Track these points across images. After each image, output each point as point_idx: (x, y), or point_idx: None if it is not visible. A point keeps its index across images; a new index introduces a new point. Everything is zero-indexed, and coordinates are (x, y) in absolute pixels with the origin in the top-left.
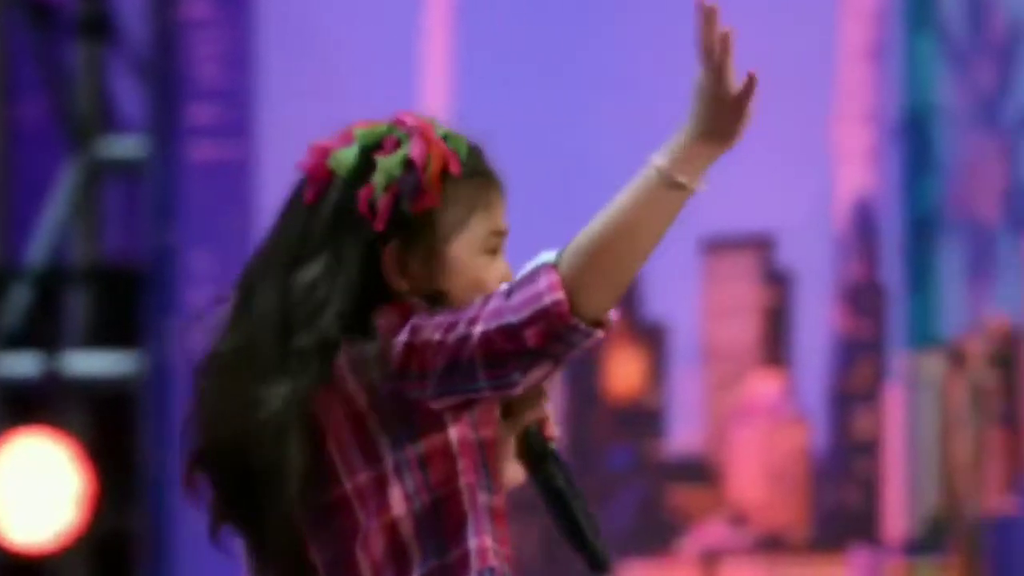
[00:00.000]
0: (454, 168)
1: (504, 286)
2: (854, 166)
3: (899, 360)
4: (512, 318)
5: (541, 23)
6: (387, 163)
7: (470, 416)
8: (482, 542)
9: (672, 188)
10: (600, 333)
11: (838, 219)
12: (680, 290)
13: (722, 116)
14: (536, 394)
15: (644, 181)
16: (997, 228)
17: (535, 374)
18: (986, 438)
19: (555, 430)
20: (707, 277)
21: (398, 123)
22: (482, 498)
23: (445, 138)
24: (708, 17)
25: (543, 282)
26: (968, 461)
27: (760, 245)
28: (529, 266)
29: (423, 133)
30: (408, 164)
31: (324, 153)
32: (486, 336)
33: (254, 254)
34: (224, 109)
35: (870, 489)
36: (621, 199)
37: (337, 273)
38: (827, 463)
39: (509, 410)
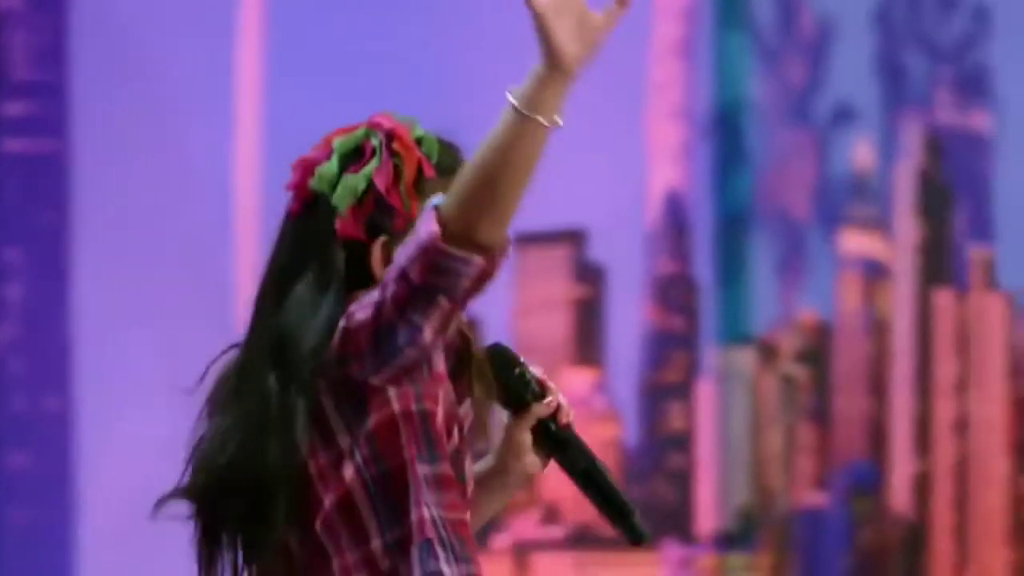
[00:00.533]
0: (428, 172)
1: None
2: (665, 162)
3: (710, 355)
4: (402, 263)
5: (351, 23)
6: (352, 181)
7: (413, 388)
8: (420, 513)
9: (525, 121)
10: (478, 259)
11: (649, 214)
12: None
13: (541, 45)
14: (542, 387)
15: (503, 116)
16: (808, 223)
17: (433, 315)
18: (796, 433)
19: (569, 416)
20: (518, 272)
21: (374, 126)
22: (422, 469)
23: (419, 141)
24: None
25: (423, 225)
26: (778, 455)
27: (571, 240)
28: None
29: (399, 139)
30: (371, 183)
31: (307, 169)
32: (393, 295)
33: (262, 274)
34: (37, 104)
35: (682, 484)
36: (488, 137)
37: (328, 284)
38: (639, 458)
39: (518, 407)
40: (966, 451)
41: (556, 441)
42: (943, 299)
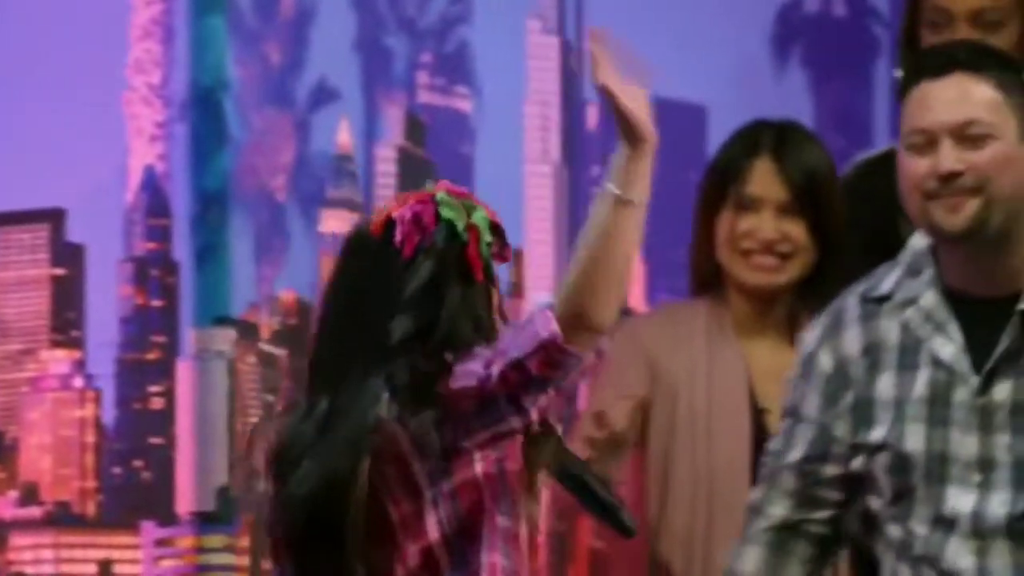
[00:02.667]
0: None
1: (506, 331)
2: (144, 142)
3: (189, 334)
4: (517, 354)
5: None
6: (482, 222)
7: (496, 451)
8: (492, 558)
9: (628, 206)
10: (589, 356)
11: (129, 195)
12: None
13: (622, 127)
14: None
15: (603, 207)
16: (288, 203)
17: (541, 400)
18: (276, 411)
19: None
20: None
21: (462, 194)
22: (501, 521)
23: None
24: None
25: (539, 320)
26: None
27: (49, 220)
28: (530, 313)
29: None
30: (494, 226)
31: (425, 214)
32: (502, 374)
33: (328, 318)
34: None
35: (161, 463)
36: (590, 228)
37: (442, 320)
38: (118, 438)
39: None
40: None
41: (572, 472)
42: None
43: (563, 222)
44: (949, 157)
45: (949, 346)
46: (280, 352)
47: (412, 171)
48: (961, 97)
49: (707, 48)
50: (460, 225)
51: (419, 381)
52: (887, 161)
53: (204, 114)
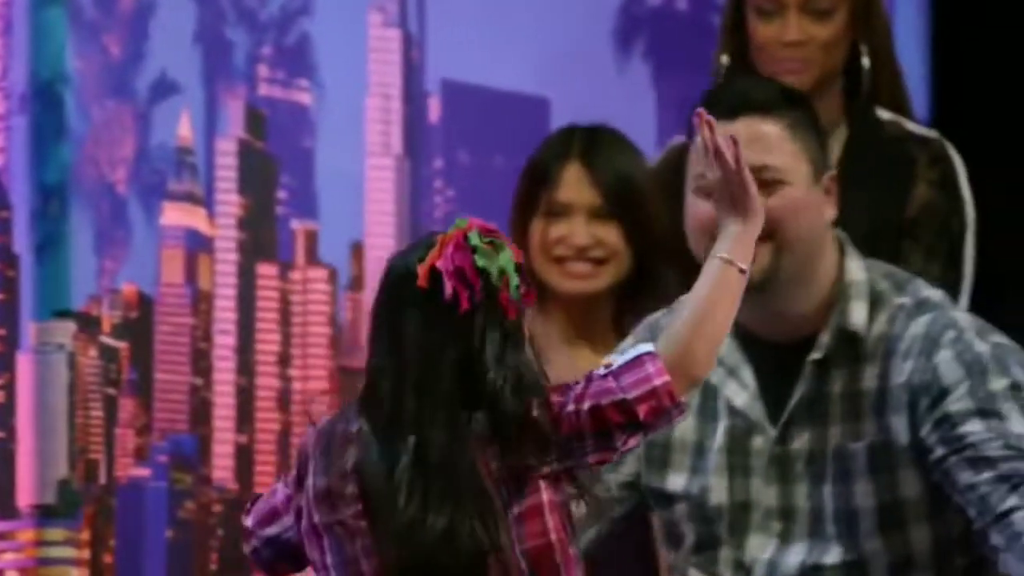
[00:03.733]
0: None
1: (603, 369)
2: None
3: (29, 328)
4: (624, 395)
5: None
6: (509, 265)
7: (564, 483)
8: None
9: (741, 274)
10: (686, 407)
11: None
12: None
13: (741, 201)
14: None
15: (716, 273)
16: (129, 197)
17: (631, 443)
18: (117, 406)
19: None
20: None
21: (490, 232)
22: (573, 551)
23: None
24: (709, 125)
25: (651, 367)
26: (99, 429)
27: None
28: (629, 353)
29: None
30: (519, 267)
31: (466, 265)
32: (598, 410)
33: (388, 377)
34: None
35: (2, 456)
36: (701, 291)
37: (502, 370)
38: None
39: None
40: (288, 424)
41: None
42: (266, 272)
43: (404, 215)
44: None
45: (743, 394)
46: (121, 345)
47: (253, 164)
48: (751, 141)
49: (549, 41)
50: (494, 274)
51: (513, 421)
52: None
53: (44, 107)
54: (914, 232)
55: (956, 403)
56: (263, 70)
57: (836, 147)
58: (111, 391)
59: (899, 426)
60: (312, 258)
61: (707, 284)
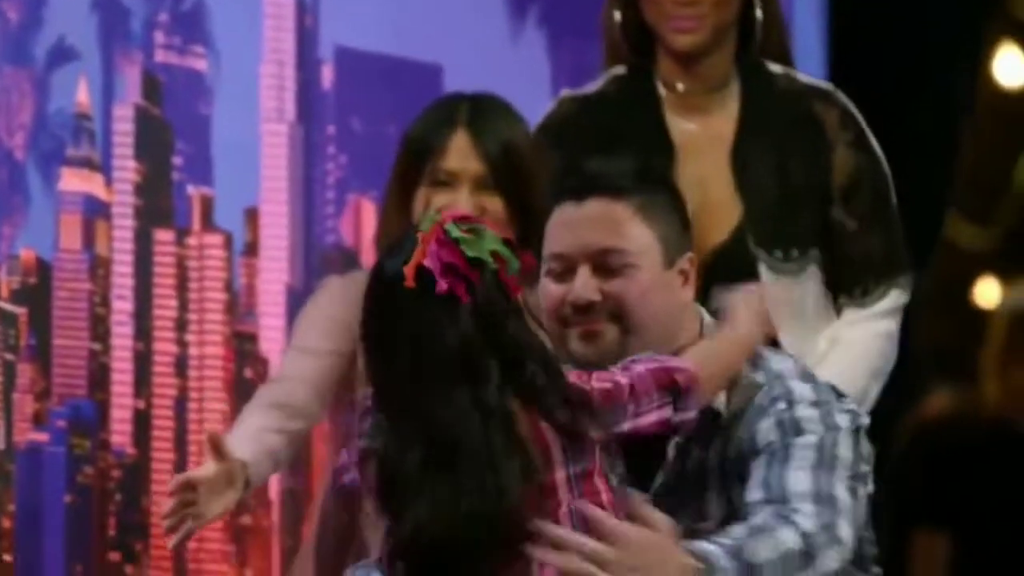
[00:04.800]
0: None
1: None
2: None
3: None
4: (662, 364)
5: None
6: (499, 247)
7: (609, 447)
8: None
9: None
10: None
11: None
12: None
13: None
14: None
15: (742, 347)
16: (26, 163)
17: (664, 412)
18: (16, 371)
19: None
20: None
21: (466, 219)
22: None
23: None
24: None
25: (688, 363)
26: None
27: None
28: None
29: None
30: (507, 242)
31: (455, 259)
32: (647, 374)
33: (392, 375)
34: None
35: None
36: (730, 355)
37: (519, 347)
38: None
39: None
40: (185, 389)
41: None
42: (163, 238)
43: (297, 181)
44: (587, 286)
45: (612, 477)
46: (19, 311)
47: (149, 130)
48: (600, 223)
49: (443, 8)
50: (488, 260)
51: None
52: (596, 98)
53: None
54: (847, 200)
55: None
56: (159, 37)
57: (731, 104)
58: (9, 356)
59: (738, 500)
60: (208, 224)
61: (737, 352)
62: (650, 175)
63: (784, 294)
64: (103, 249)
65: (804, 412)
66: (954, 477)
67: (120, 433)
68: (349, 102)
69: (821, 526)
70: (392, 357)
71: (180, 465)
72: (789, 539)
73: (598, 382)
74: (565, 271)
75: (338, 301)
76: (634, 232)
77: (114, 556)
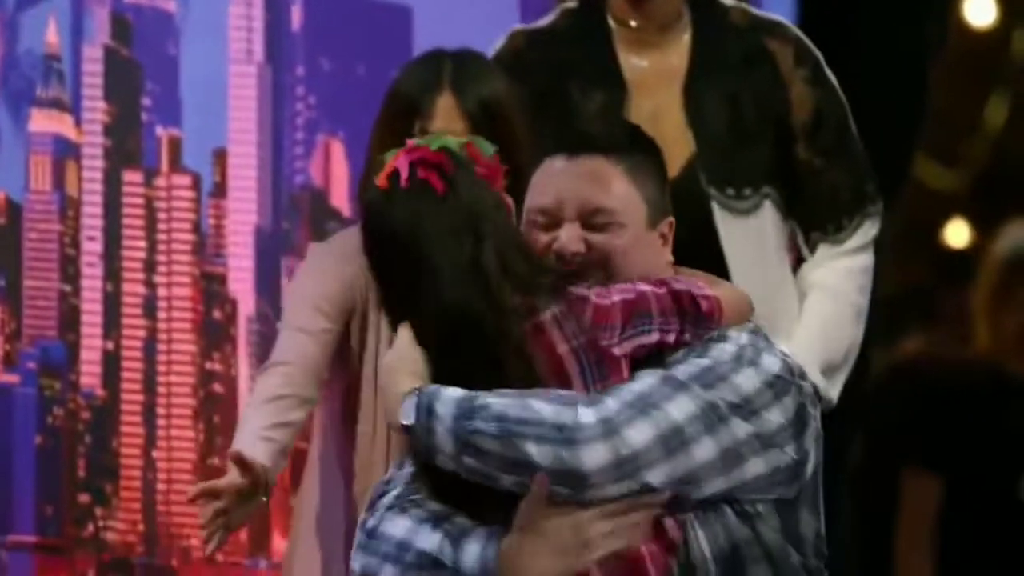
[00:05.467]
0: None
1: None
2: None
3: None
4: (690, 289)
5: None
6: (459, 141)
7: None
8: None
9: None
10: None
11: None
12: None
13: None
14: None
15: None
16: None
17: (688, 329)
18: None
19: None
20: None
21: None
22: None
23: None
24: None
25: (709, 290)
26: None
27: None
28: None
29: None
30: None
31: (426, 153)
32: (671, 292)
33: (394, 274)
34: None
35: None
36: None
37: (508, 240)
38: None
39: None
40: (154, 330)
41: None
42: (132, 179)
43: (266, 122)
44: (573, 237)
45: None
46: None
47: (118, 71)
48: (590, 179)
49: None
50: (455, 149)
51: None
52: (548, 32)
53: None
54: (811, 138)
55: None
56: None
57: (683, 39)
58: None
59: None
60: (176, 165)
61: None
62: (640, 139)
63: (738, 232)
64: (73, 190)
65: (730, 346)
66: (946, 418)
67: (90, 374)
68: (318, 43)
69: (592, 422)
70: (409, 253)
71: (149, 406)
72: (545, 412)
73: (619, 294)
74: (551, 223)
75: (328, 275)
76: (622, 190)
77: (84, 498)
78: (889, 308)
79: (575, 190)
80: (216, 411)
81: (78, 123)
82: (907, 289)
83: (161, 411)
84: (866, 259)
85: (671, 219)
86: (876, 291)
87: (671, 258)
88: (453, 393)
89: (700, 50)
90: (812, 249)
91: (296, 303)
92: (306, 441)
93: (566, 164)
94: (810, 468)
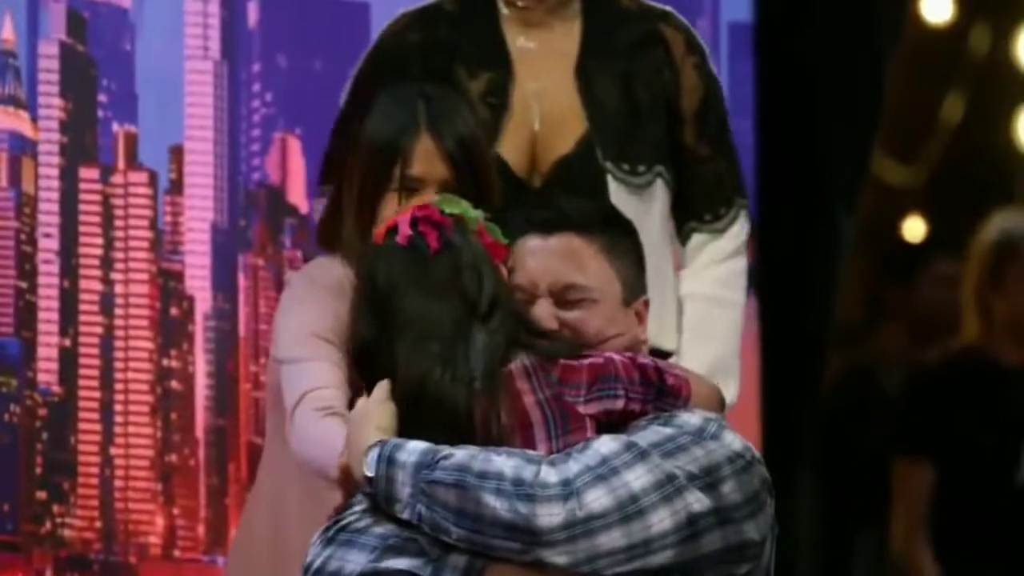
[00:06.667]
0: None
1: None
2: None
3: None
4: (657, 365)
5: None
6: (479, 213)
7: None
8: None
9: None
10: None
11: None
12: None
13: None
14: None
15: None
16: None
17: (649, 404)
18: None
19: None
20: None
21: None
22: None
23: None
24: None
25: (679, 370)
26: None
27: None
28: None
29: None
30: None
31: (431, 213)
32: (638, 363)
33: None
34: None
35: None
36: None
37: (500, 303)
38: None
39: None
40: (111, 327)
41: None
42: (88, 176)
43: (222, 118)
44: (546, 314)
45: None
46: None
47: (74, 67)
48: (565, 257)
49: None
50: (467, 215)
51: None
52: (434, 13)
53: None
54: (698, 123)
55: None
56: None
57: (573, 21)
58: None
59: None
60: (132, 162)
61: None
62: (616, 218)
63: (631, 208)
64: (29, 187)
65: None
66: (937, 407)
67: (46, 371)
68: (275, 39)
69: (555, 482)
70: (387, 309)
71: (106, 403)
72: (506, 467)
73: (587, 359)
74: (527, 301)
75: (326, 311)
76: (595, 267)
77: (40, 495)
78: (846, 307)
79: (548, 267)
80: (174, 408)
81: (34, 120)
82: (865, 286)
83: (119, 408)
84: (742, 263)
85: (646, 298)
86: (834, 288)
87: (644, 336)
88: (418, 445)
89: (591, 32)
90: (685, 239)
91: (302, 338)
92: (261, 437)
93: (540, 242)
94: (768, 552)
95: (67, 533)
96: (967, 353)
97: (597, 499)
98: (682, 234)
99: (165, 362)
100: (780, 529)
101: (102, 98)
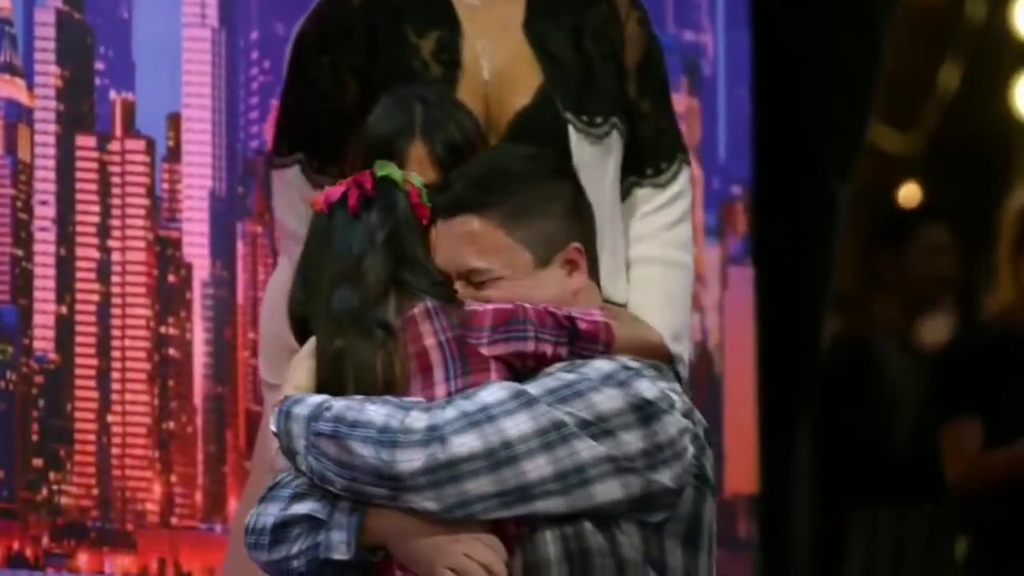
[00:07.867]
0: None
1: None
2: None
3: None
4: (571, 312)
5: None
6: (417, 181)
7: (508, 365)
8: None
9: None
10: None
11: None
12: None
13: None
14: None
15: None
16: None
17: (561, 346)
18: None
19: None
20: None
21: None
22: None
23: None
24: None
25: (599, 315)
26: None
27: None
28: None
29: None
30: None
31: (362, 177)
32: (548, 310)
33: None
34: None
35: None
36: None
37: (412, 258)
38: None
39: None
40: (108, 294)
41: None
42: (85, 144)
43: (220, 86)
44: (462, 296)
45: None
46: None
47: (71, 35)
48: (464, 242)
49: None
50: (397, 179)
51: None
52: None
53: None
54: (641, 77)
55: None
56: None
57: None
58: None
59: None
60: (130, 129)
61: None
62: (519, 177)
63: (587, 156)
64: (25, 154)
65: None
66: (986, 370)
67: (43, 339)
68: (273, 6)
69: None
70: (309, 271)
71: (103, 371)
72: (376, 415)
73: (496, 304)
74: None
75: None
76: (496, 245)
77: (37, 462)
78: (842, 274)
79: (451, 254)
80: (171, 375)
81: (30, 87)
82: (863, 254)
83: (115, 375)
84: (688, 228)
85: (576, 245)
86: (831, 256)
87: (581, 283)
88: (313, 399)
89: None
90: (625, 194)
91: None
92: (259, 404)
93: (444, 228)
94: (687, 503)
95: (64, 500)
96: (1008, 317)
97: (464, 444)
98: (623, 188)
99: (163, 329)
100: (775, 492)
101: (99, 66)
